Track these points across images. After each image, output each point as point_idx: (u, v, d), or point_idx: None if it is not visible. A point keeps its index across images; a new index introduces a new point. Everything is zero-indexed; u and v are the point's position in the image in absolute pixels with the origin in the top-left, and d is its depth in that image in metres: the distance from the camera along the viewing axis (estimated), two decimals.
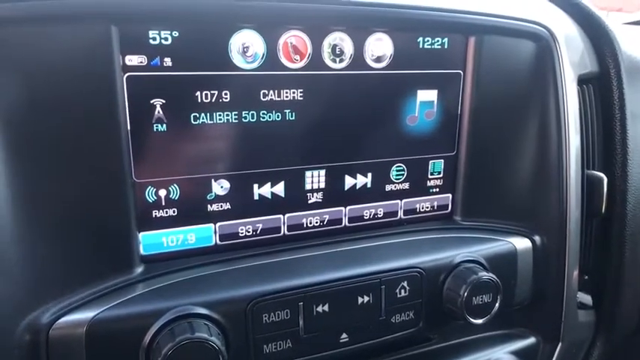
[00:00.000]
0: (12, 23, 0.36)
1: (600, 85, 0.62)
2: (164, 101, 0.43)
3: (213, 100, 0.44)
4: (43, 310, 0.39)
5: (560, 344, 0.60)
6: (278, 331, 0.44)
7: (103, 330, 0.40)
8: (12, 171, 0.37)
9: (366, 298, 0.48)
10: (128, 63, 0.41)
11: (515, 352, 0.58)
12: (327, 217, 0.52)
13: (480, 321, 0.50)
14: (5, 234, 0.37)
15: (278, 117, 0.47)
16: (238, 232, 0.49)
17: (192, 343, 0.39)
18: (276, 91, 0.46)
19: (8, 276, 0.37)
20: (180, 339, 0.39)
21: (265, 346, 0.44)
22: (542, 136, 0.56)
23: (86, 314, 0.40)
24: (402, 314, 0.49)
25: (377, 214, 0.55)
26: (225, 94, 0.45)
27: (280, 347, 0.45)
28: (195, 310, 0.41)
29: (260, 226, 0.49)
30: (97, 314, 0.40)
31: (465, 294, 0.49)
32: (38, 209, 0.38)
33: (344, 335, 0.47)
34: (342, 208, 0.53)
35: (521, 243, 0.56)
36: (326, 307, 0.46)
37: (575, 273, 0.59)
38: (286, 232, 0.51)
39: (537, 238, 0.57)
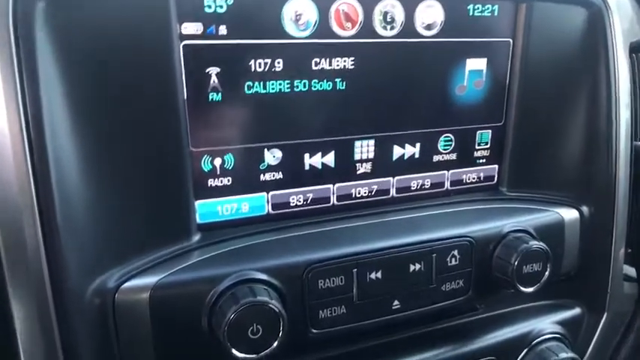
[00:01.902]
0: None
1: None
2: (219, 70, 0.43)
3: (266, 69, 0.45)
4: (109, 275, 0.40)
5: (605, 315, 0.60)
6: (332, 297, 0.45)
7: (166, 294, 0.41)
8: (80, 139, 0.38)
9: (417, 266, 0.48)
10: (184, 31, 0.41)
11: (560, 323, 0.58)
12: (375, 187, 0.52)
13: (530, 289, 0.50)
14: (76, 200, 0.38)
15: (329, 86, 0.47)
16: (289, 202, 0.49)
17: (255, 306, 0.40)
18: (327, 60, 0.46)
19: (79, 241, 0.38)
20: (243, 302, 0.39)
21: (321, 311, 0.45)
22: (592, 106, 0.55)
23: (149, 279, 0.41)
24: (452, 282, 0.50)
25: (424, 184, 0.55)
26: (278, 62, 0.45)
27: (335, 313, 0.45)
28: (254, 276, 0.42)
29: (310, 195, 0.50)
30: (160, 279, 0.41)
31: (516, 263, 0.49)
32: (105, 177, 0.39)
33: (396, 302, 0.48)
34: (390, 179, 0.53)
35: (569, 213, 0.56)
36: (379, 274, 0.46)
37: (622, 244, 0.58)
38: (335, 202, 0.51)
39: (585, 209, 0.56)
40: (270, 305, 0.40)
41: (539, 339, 0.56)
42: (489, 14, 0.51)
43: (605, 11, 0.54)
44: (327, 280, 0.45)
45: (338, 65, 0.47)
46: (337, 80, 0.47)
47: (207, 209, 0.46)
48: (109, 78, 0.39)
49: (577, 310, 0.60)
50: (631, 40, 0.57)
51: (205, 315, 0.41)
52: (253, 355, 0.40)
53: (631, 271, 0.64)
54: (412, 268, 0.48)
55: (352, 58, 0.47)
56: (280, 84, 0.45)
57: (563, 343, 0.57)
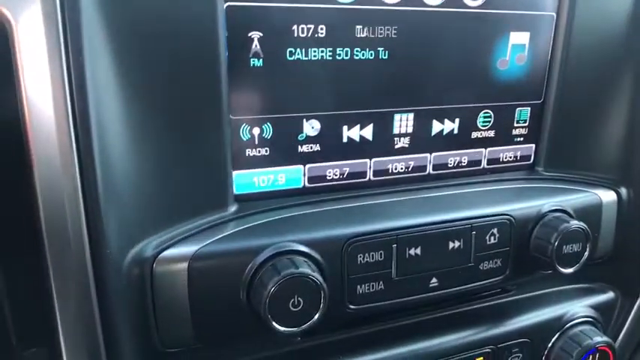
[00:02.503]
0: None
1: None
2: (261, 34, 0.41)
3: (309, 35, 0.43)
4: (147, 244, 0.39)
5: (638, 300, 0.59)
6: (371, 272, 0.44)
7: (204, 265, 0.40)
8: (122, 106, 0.36)
9: (457, 244, 0.47)
10: None
11: (593, 307, 0.57)
12: (412, 163, 0.51)
13: (569, 270, 0.49)
14: (117, 167, 0.36)
15: (371, 55, 0.46)
16: (326, 175, 0.48)
17: (297, 278, 0.38)
18: (370, 28, 0.45)
19: (120, 207, 0.37)
20: (285, 273, 0.38)
21: (359, 286, 0.44)
22: (635, 87, 0.53)
23: (187, 249, 0.40)
24: (490, 262, 0.49)
25: (461, 162, 0.53)
26: (321, 28, 0.43)
27: (373, 289, 0.44)
28: (295, 247, 0.41)
29: (347, 169, 0.49)
30: (198, 250, 0.40)
31: (556, 243, 0.48)
32: (146, 144, 0.38)
33: (434, 280, 0.47)
34: (428, 155, 0.51)
35: (607, 195, 0.55)
36: (418, 251, 0.45)
37: None
38: (372, 177, 0.50)
39: (624, 191, 0.55)
40: (312, 277, 0.39)
41: (572, 322, 0.55)
42: None
43: None
44: (367, 255, 0.43)
45: (381, 34, 0.45)
46: (380, 49, 0.46)
47: (243, 180, 0.45)
48: (152, 41, 0.37)
49: (611, 295, 0.59)
50: None
51: (244, 287, 0.40)
52: (294, 329, 0.39)
53: None
54: (451, 245, 0.47)
55: (395, 27, 0.46)
56: (322, 51, 0.44)
57: (596, 327, 0.56)
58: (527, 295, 0.56)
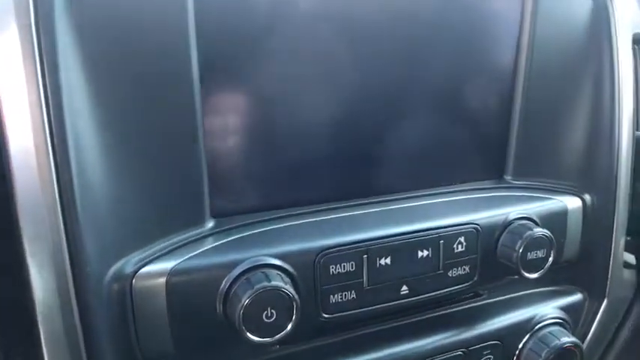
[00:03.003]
0: None
1: None
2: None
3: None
4: (127, 261, 0.41)
5: (605, 301, 0.61)
6: (343, 282, 0.46)
7: (182, 280, 0.42)
8: (99, 125, 0.38)
9: (425, 252, 0.49)
10: None
11: (561, 308, 0.60)
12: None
13: (534, 275, 0.51)
14: (96, 186, 0.38)
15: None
16: None
17: (269, 290, 0.40)
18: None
19: (98, 227, 0.38)
20: (258, 287, 0.40)
21: (332, 296, 0.46)
22: (595, 96, 0.56)
23: (166, 265, 0.41)
24: (459, 269, 0.51)
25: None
26: None
27: (345, 298, 0.46)
28: (268, 261, 0.43)
29: None
30: (176, 265, 0.42)
31: (521, 249, 0.50)
32: (123, 163, 0.40)
33: (404, 288, 0.49)
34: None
35: (572, 202, 0.57)
36: (388, 260, 0.47)
37: (623, 232, 0.60)
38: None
39: (587, 197, 0.58)
40: (284, 290, 0.41)
41: (541, 324, 0.57)
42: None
43: (609, 2, 0.55)
44: (339, 266, 0.46)
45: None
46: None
47: (220, 196, 0.47)
48: (127, 58, 0.39)
49: (578, 296, 0.61)
50: (634, 32, 0.58)
51: (220, 300, 0.42)
52: (268, 339, 0.41)
53: (630, 258, 0.66)
54: (420, 254, 0.49)
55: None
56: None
57: (565, 327, 0.58)
58: (499, 298, 0.58)
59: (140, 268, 0.41)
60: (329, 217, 0.49)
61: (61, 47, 0.36)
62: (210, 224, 0.46)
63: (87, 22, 0.37)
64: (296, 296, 0.41)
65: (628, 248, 0.65)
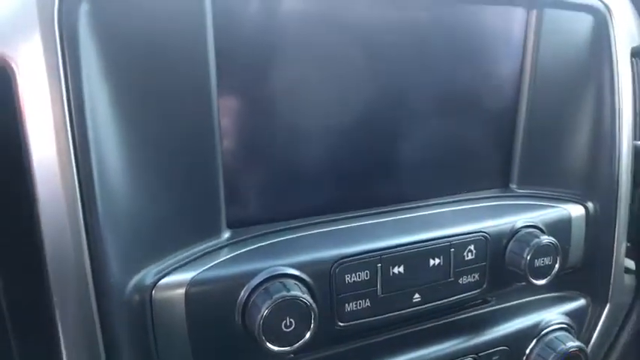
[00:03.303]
0: None
1: None
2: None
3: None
4: (146, 272, 0.41)
5: (608, 305, 0.63)
6: (358, 290, 0.47)
7: (201, 290, 0.42)
8: (121, 139, 0.39)
9: (437, 261, 0.50)
10: None
11: (566, 314, 0.61)
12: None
13: (541, 282, 0.52)
14: (117, 199, 0.39)
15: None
16: None
17: (288, 300, 0.41)
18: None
19: (120, 239, 0.39)
20: (277, 297, 0.41)
21: (347, 304, 0.47)
22: (596, 107, 0.58)
23: (185, 276, 0.42)
24: (468, 276, 0.52)
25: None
26: None
27: (360, 306, 0.47)
28: (285, 271, 0.44)
29: None
30: (195, 275, 0.42)
31: (529, 257, 0.51)
32: (143, 177, 0.40)
33: (416, 295, 0.50)
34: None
35: (575, 209, 0.59)
36: (401, 269, 0.48)
37: (624, 239, 0.61)
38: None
39: (590, 205, 0.59)
40: (302, 299, 0.42)
41: (547, 329, 0.58)
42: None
43: (608, 17, 0.57)
44: (354, 275, 0.46)
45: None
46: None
47: (236, 206, 0.48)
48: (148, 74, 0.40)
49: (582, 302, 0.62)
50: (632, 45, 0.60)
51: (239, 310, 0.42)
52: (287, 348, 0.41)
53: (630, 263, 0.67)
54: (432, 262, 0.50)
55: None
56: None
57: (570, 332, 0.60)
58: (506, 305, 0.59)
59: (160, 279, 0.41)
60: (343, 226, 0.50)
61: (85, 60, 0.36)
62: (226, 235, 0.46)
63: (109, 36, 0.37)
64: (314, 305, 0.42)
65: (628, 254, 0.67)
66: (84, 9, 0.36)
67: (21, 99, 0.35)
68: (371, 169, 0.52)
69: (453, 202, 0.57)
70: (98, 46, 0.37)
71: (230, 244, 0.46)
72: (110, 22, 0.37)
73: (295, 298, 0.41)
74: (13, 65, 0.35)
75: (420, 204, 0.55)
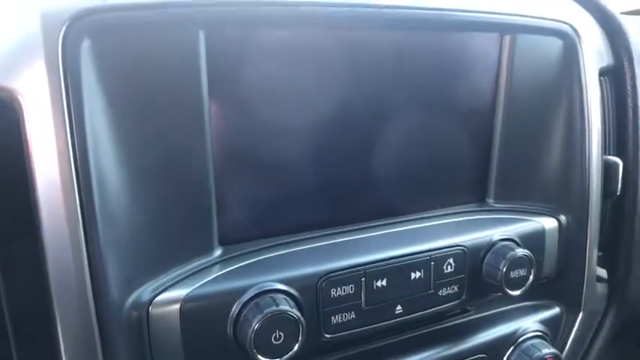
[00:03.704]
0: (123, 28, 0.40)
1: (615, 77, 0.68)
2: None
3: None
4: (144, 289, 0.43)
5: (581, 314, 0.66)
6: (343, 303, 0.50)
7: (195, 306, 0.44)
8: (120, 162, 0.41)
9: (418, 274, 0.53)
10: None
11: (541, 322, 0.64)
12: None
13: (516, 292, 0.56)
14: (116, 219, 0.41)
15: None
16: None
17: (277, 314, 0.44)
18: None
19: (121, 259, 0.41)
20: (267, 311, 0.43)
21: (333, 317, 0.49)
22: (568, 125, 0.61)
23: (179, 292, 0.44)
24: (448, 288, 0.55)
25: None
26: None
27: (345, 318, 0.50)
28: (275, 286, 0.46)
29: None
30: (189, 292, 0.44)
31: (504, 269, 0.54)
32: (141, 198, 0.43)
33: (399, 307, 0.53)
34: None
35: (549, 222, 0.62)
36: (384, 282, 0.51)
37: (595, 249, 0.65)
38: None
39: (563, 218, 0.63)
40: (291, 313, 0.44)
41: (524, 337, 0.62)
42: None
43: (577, 41, 0.60)
44: (339, 289, 0.49)
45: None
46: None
47: (227, 225, 0.50)
48: (145, 105, 0.42)
49: (556, 310, 0.66)
50: (601, 65, 0.64)
51: (231, 324, 0.45)
52: None
53: (602, 272, 0.71)
54: (413, 275, 0.53)
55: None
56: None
57: (545, 339, 0.63)
58: (484, 314, 0.62)
59: (156, 296, 0.44)
60: (329, 242, 0.53)
61: (86, 93, 0.39)
62: (218, 252, 0.49)
63: (109, 69, 0.40)
64: (302, 318, 0.45)
65: (600, 263, 0.70)
66: (85, 45, 0.39)
67: (27, 130, 0.38)
68: (355, 188, 0.55)
69: (433, 216, 0.60)
70: (99, 79, 0.40)
71: (222, 261, 0.48)
72: (110, 57, 0.40)
73: (284, 312, 0.44)
74: (20, 99, 0.37)
75: (402, 219, 0.58)
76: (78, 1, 0.39)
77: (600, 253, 0.70)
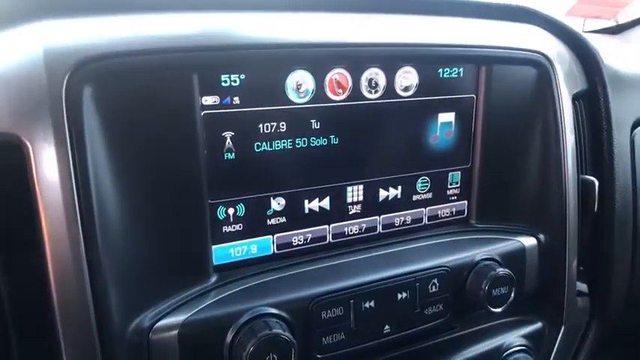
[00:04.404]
0: (123, 73, 0.43)
1: (589, 100, 0.71)
2: (233, 133, 0.50)
3: (272, 131, 0.52)
4: (145, 316, 0.46)
5: (562, 328, 0.69)
6: (334, 325, 0.52)
7: (192, 331, 0.47)
8: (120, 196, 0.44)
9: (404, 294, 0.56)
10: (204, 103, 0.48)
11: (525, 336, 0.67)
12: (364, 225, 0.60)
13: (498, 310, 0.59)
14: (118, 249, 0.44)
15: (325, 142, 0.55)
16: (292, 242, 0.56)
17: (271, 338, 0.46)
18: (323, 120, 0.54)
19: (123, 288, 0.44)
20: (260, 335, 0.46)
21: (324, 338, 0.52)
22: (544, 148, 0.65)
23: (178, 318, 0.47)
24: (433, 307, 0.58)
25: (405, 220, 0.63)
26: (282, 124, 0.52)
27: (335, 339, 0.53)
28: (268, 311, 0.49)
29: (310, 235, 0.57)
30: (187, 317, 0.47)
31: (486, 287, 0.57)
32: (141, 228, 0.46)
33: (387, 327, 0.55)
34: (377, 217, 0.61)
35: (528, 241, 0.65)
36: (372, 304, 0.54)
37: (574, 265, 0.68)
38: (331, 239, 0.59)
39: (542, 236, 0.66)
40: (283, 336, 0.47)
41: (508, 351, 0.64)
42: (456, 75, 0.61)
43: (550, 69, 0.64)
44: (329, 311, 0.52)
45: (332, 124, 0.55)
46: (331, 136, 0.55)
47: (221, 252, 0.53)
48: (143, 144, 0.45)
49: (539, 325, 0.69)
50: (573, 91, 0.68)
51: (227, 348, 0.47)
52: None
53: (583, 287, 0.74)
54: (399, 296, 0.56)
55: (343, 118, 0.55)
56: (284, 142, 0.53)
57: (529, 354, 0.66)
58: (470, 330, 0.65)
59: (156, 322, 0.46)
60: (319, 266, 0.55)
61: (88, 133, 0.42)
62: (213, 278, 0.52)
63: (110, 114, 0.43)
64: (294, 341, 0.47)
65: (580, 278, 0.73)
66: (87, 91, 0.42)
67: (34, 172, 0.40)
68: (345, 211, 0.58)
69: (419, 238, 0.63)
70: (100, 121, 0.43)
71: (217, 287, 0.51)
72: (110, 100, 0.43)
73: (277, 335, 0.47)
74: (27, 143, 0.40)
75: (388, 241, 0.61)
76: (80, 48, 0.42)
77: (581, 268, 0.73)
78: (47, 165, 0.41)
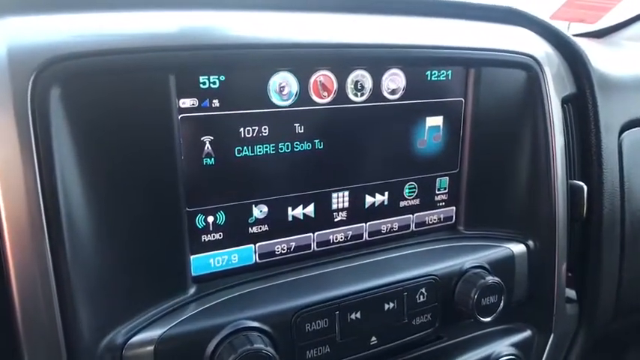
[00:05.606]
0: (93, 74, 0.41)
1: (578, 104, 0.70)
2: (212, 138, 0.48)
3: (254, 135, 0.50)
4: (118, 331, 0.43)
5: (552, 335, 0.68)
6: (318, 337, 0.50)
7: (169, 347, 0.44)
8: (90, 204, 0.42)
9: (391, 305, 0.54)
10: (182, 105, 0.46)
11: (514, 345, 0.65)
12: (350, 232, 0.58)
13: (488, 319, 0.57)
14: (87, 262, 0.41)
15: (309, 146, 0.53)
16: (275, 251, 0.54)
17: (252, 353, 0.44)
18: (307, 124, 0.52)
19: (93, 303, 0.41)
20: (241, 350, 0.44)
21: (308, 351, 0.50)
22: (533, 152, 0.63)
23: (153, 333, 0.44)
24: (421, 317, 0.56)
25: (392, 227, 0.61)
26: (265, 128, 0.50)
27: (320, 352, 0.50)
28: (249, 324, 0.47)
29: (293, 244, 0.55)
30: (163, 332, 0.44)
31: (476, 296, 0.56)
32: (113, 239, 0.43)
33: (373, 338, 0.53)
34: (363, 224, 0.59)
35: (518, 248, 0.64)
36: (358, 315, 0.52)
37: (564, 271, 0.67)
38: (315, 248, 0.56)
39: (531, 243, 0.64)
40: (265, 351, 0.44)
41: None
42: (444, 78, 0.59)
43: (540, 72, 0.62)
44: (313, 324, 0.50)
45: (316, 128, 0.53)
46: (316, 141, 0.53)
47: (200, 262, 0.50)
48: (116, 149, 0.43)
49: (528, 332, 0.67)
50: (562, 94, 0.67)
51: None
52: None
53: (571, 293, 0.73)
54: (387, 306, 0.54)
55: (328, 122, 0.53)
56: (266, 147, 0.50)
57: None
58: (458, 339, 0.63)
59: (130, 338, 0.44)
60: (302, 276, 0.53)
61: (55, 135, 0.39)
62: (192, 290, 0.49)
63: (79, 116, 0.40)
64: (276, 356, 0.45)
65: (569, 284, 0.72)
66: (54, 95, 0.39)
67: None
68: (329, 218, 0.56)
69: (406, 245, 0.61)
70: (69, 123, 0.40)
71: (196, 299, 0.49)
72: (80, 105, 0.40)
73: (258, 350, 0.44)
74: None
75: (375, 249, 0.59)
76: (47, 47, 0.39)
77: (569, 274, 0.72)
78: (10, 173, 0.38)
